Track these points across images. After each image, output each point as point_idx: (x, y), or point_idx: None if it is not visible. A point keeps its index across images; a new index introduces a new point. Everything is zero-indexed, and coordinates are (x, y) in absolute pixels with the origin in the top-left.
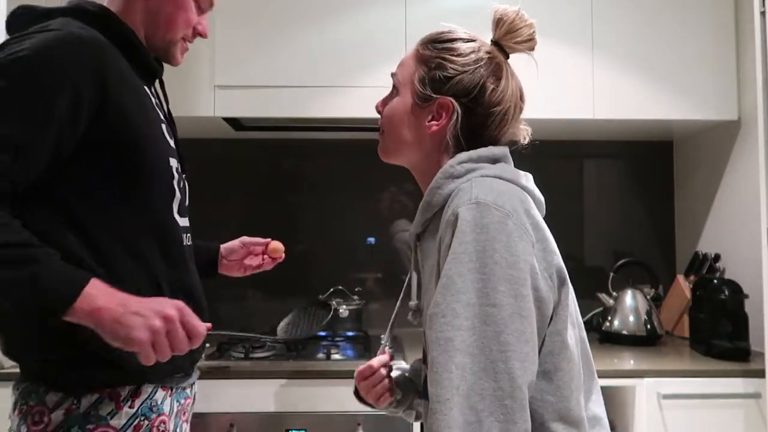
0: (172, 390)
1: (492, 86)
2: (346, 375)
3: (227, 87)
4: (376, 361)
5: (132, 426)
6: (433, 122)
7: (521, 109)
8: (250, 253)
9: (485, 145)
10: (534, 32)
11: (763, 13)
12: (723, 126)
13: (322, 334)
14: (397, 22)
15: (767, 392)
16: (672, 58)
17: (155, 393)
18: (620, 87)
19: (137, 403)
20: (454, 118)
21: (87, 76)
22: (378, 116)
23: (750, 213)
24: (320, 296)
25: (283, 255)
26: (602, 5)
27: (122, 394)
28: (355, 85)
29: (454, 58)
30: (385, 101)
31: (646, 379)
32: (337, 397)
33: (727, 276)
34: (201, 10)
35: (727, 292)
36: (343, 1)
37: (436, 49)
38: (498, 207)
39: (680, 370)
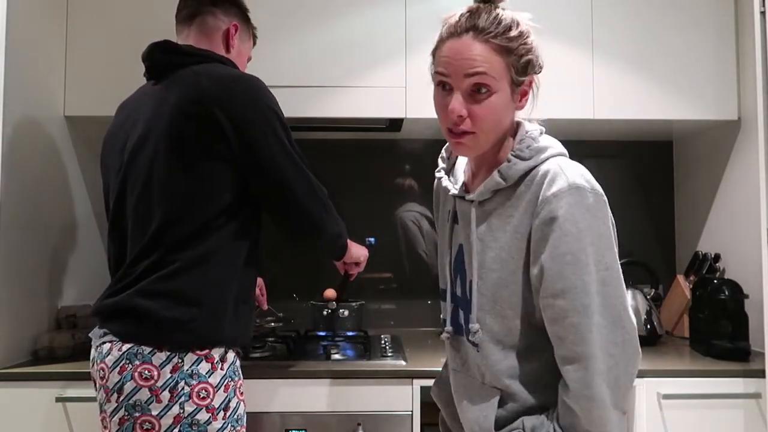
0: (240, 360)
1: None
2: (346, 375)
3: None
4: None
5: (223, 385)
6: (522, 100)
7: None
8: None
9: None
10: None
11: (763, 13)
12: (723, 126)
13: (322, 333)
14: (397, 22)
15: (767, 392)
16: (672, 58)
17: (236, 361)
18: (620, 87)
19: (226, 366)
20: (534, 89)
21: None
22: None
23: (750, 213)
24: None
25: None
26: (602, 5)
27: (215, 357)
28: (355, 85)
29: (529, 40)
30: (469, 104)
31: (646, 379)
32: (337, 397)
33: (727, 276)
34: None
35: (727, 292)
36: (343, 1)
37: (513, 38)
38: (591, 189)
39: (680, 370)
